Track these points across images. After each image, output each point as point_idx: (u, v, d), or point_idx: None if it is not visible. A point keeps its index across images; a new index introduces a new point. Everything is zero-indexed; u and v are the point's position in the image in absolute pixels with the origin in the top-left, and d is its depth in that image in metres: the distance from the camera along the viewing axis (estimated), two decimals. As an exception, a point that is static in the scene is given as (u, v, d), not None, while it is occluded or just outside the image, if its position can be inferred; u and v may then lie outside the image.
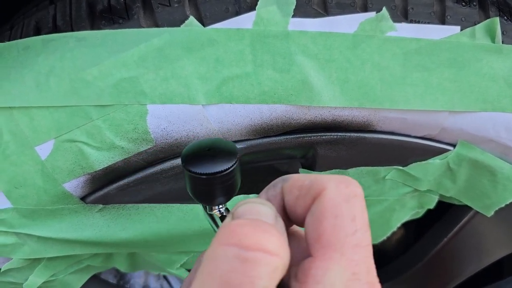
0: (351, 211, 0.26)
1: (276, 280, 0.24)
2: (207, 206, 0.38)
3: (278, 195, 0.30)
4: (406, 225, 0.67)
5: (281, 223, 0.27)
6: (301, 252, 0.28)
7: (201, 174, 0.33)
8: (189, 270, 0.61)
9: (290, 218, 0.30)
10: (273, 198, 0.30)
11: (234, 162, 0.34)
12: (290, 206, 0.29)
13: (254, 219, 0.26)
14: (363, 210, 0.27)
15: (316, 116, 0.47)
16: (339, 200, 0.26)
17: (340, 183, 0.27)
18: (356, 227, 0.26)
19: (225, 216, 0.38)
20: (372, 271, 0.26)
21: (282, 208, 0.30)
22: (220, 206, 0.38)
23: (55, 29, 0.46)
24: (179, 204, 0.52)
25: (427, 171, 0.53)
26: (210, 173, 0.33)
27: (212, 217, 0.38)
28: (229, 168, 0.33)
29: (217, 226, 0.38)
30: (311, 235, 0.26)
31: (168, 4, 0.44)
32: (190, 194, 0.36)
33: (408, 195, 0.57)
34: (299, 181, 0.28)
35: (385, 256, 0.75)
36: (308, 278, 0.25)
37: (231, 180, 0.34)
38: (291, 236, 0.30)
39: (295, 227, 0.32)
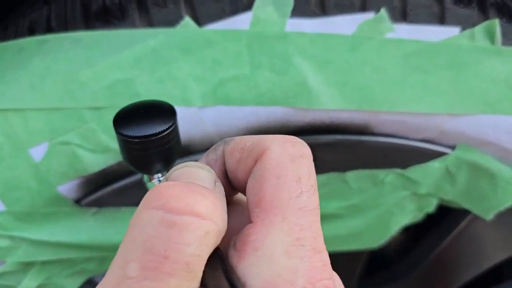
0: (296, 172, 0.23)
1: (208, 248, 0.22)
2: (146, 176, 0.35)
3: (219, 159, 0.27)
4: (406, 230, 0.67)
5: (220, 189, 0.25)
6: (246, 222, 0.25)
7: (134, 137, 0.29)
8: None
9: (233, 185, 0.27)
10: (214, 162, 0.27)
11: (171, 123, 0.30)
12: (232, 171, 0.26)
13: (187, 182, 0.24)
14: (311, 171, 0.24)
15: (314, 119, 0.46)
16: (283, 160, 0.23)
17: (285, 142, 0.24)
18: (302, 189, 0.23)
19: None
20: (319, 237, 0.23)
21: (224, 174, 0.27)
22: (160, 175, 0.34)
23: (50, 30, 0.45)
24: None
25: (426, 174, 0.53)
26: (144, 135, 0.29)
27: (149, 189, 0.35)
28: (165, 130, 0.30)
29: None
30: (252, 199, 0.24)
31: (163, 5, 0.43)
32: (125, 161, 0.33)
33: (407, 199, 0.56)
34: (241, 142, 0.26)
35: (383, 260, 0.74)
36: (246, 245, 0.22)
37: (169, 144, 0.31)
38: (235, 205, 0.28)
39: (240, 196, 0.29)
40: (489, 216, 0.57)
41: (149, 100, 0.33)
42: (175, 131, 0.31)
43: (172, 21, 0.43)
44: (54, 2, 0.47)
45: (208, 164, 0.28)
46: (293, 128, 0.47)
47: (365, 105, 0.45)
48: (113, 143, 0.44)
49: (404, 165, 0.52)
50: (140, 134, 0.29)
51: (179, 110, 0.43)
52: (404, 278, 0.68)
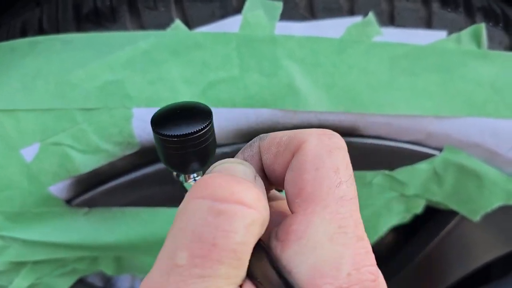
0: (333, 163, 0.24)
1: (253, 236, 0.22)
2: (182, 177, 0.36)
3: (255, 155, 0.28)
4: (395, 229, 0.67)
5: (260, 183, 0.26)
6: (281, 217, 0.25)
7: (171, 136, 0.30)
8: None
9: (270, 180, 0.28)
10: (250, 158, 0.28)
11: (207, 123, 0.31)
12: (269, 165, 0.27)
13: (230, 174, 0.24)
14: (347, 162, 0.24)
15: (303, 121, 0.47)
16: (321, 151, 0.24)
17: (321, 135, 0.25)
18: (340, 179, 0.23)
19: None
20: (360, 225, 0.23)
21: (261, 169, 0.28)
22: (195, 175, 0.35)
23: (41, 32, 0.45)
24: (164, 208, 0.52)
25: (413, 176, 0.53)
26: (181, 134, 0.30)
27: (187, 189, 0.35)
28: (202, 129, 0.31)
29: None
30: (291, 191, 0.24)
31: (154, 8, 0.44)
32: (163, 162, 0.34)
33: (395, 200, 0.57)
34: (277, 137, 0.26)
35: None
36: (289, 234, 0.23)
37: (206, 143, 0.32)
38: (271, 201, 0.28)
39: (274, 192, 0.30)
40: (477, 217, 0.57)
41: (185, 102, 0.34)
42: (211, 130, 0.32)
43: (162, 24, 0.43)
44: (46, 3, 0.47)
45: (245, 160, 0.28)
46: (281, 129, 0.47)
47: (353, 108, 0.46)
48: (104, 144, 0.45)
49: (392, 166, 0.53)
50: (177, 133, 0.30)
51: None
52: (392, 278, 0.68)
